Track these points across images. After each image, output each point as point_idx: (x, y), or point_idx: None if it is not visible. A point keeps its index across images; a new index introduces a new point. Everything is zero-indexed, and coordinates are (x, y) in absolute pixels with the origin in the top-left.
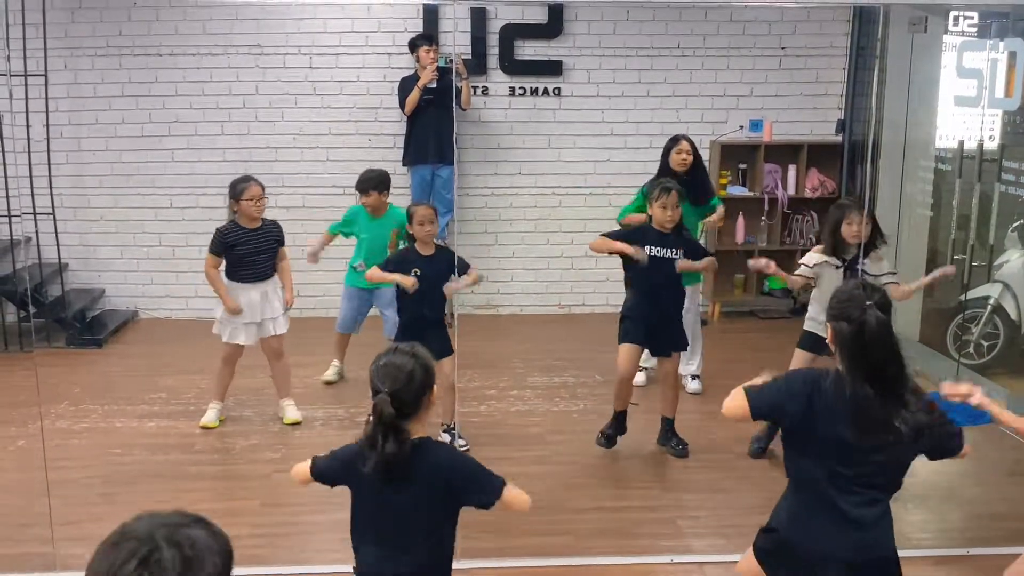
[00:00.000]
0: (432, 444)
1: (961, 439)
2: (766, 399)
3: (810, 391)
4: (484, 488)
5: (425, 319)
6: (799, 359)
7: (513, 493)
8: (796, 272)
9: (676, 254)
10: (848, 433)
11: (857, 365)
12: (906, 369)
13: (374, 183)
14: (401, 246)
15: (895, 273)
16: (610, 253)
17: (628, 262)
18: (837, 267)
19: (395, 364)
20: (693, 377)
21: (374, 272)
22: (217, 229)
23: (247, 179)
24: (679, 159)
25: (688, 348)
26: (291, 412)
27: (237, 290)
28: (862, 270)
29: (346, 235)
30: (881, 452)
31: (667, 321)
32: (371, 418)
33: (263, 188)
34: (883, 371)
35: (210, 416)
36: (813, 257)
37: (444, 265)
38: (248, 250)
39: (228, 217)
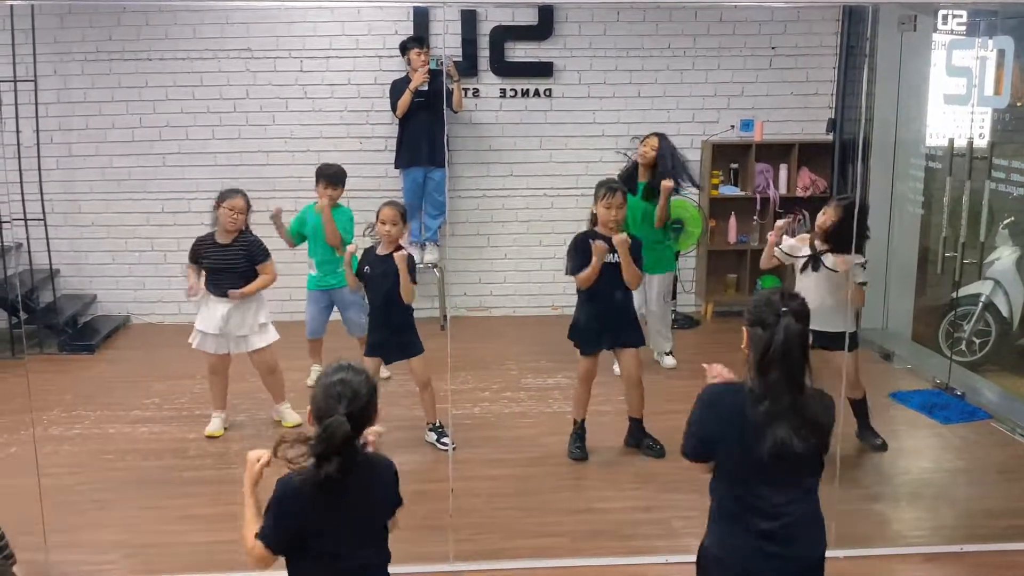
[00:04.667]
0: (365, 456)
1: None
2: (695, 439)
3: (734, 411)
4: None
5: (389, 318)
6: None
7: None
8: (770, 242)
9: (613, 258)
10: (765, 445)
11: (765, 371)
12: (806, 378)
13: (343, 176)
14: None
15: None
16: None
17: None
18: (799, 256)
19: (349, 383)
20: (668, 353)
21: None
22: (197, 238)
23: (236, 191)
24: (642, 151)
25: (660, 330)
26: (289, 415)
27: (207, 301)
28: (824, 263)
29: (301, 237)
30: (791, 458)
31: (618, 317)
32: (317, 440)
33: (249, 206)
34: (789, 378)
35: (214, 425)
36: (791, 243)
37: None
38: (213, 265)
39: (212, 223)
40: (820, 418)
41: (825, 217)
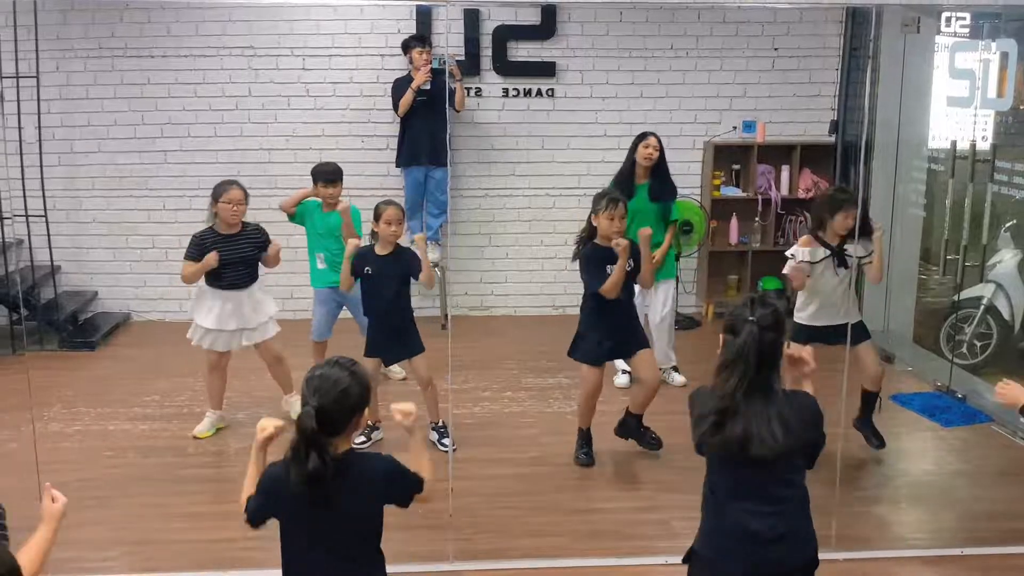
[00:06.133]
0: (357, 457)
1: (818, 424)
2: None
3: (701, 405)
4: (406, 490)
5: (389, 318)
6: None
7: (424, 496)
8: (792, 269)
9: (628, 266)
10: (733, 446)
11: (729, 373)
12: (773, 383)
13: (340, 174)
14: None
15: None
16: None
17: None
18: (825, 256)
19: (327, 378)
20: (675, 369)
21: (343, 282)
22: (194, 235)
23: (230, 182)
24: (646, 152)
25: (666, 344)
26: (299, 407)
27: (210, 296)
28: (847, 254)
29: (295, 222)
30: (760, 462)
31: (625, 324)
32: (294, 433)
33: (246, 194)
34: (753, 380)
35: (204, 425)
36: (805, 252)
37: (401, 265)
38: (224, 258)
39: (208, 220)
40: (790, 420)
41: (850, 220)
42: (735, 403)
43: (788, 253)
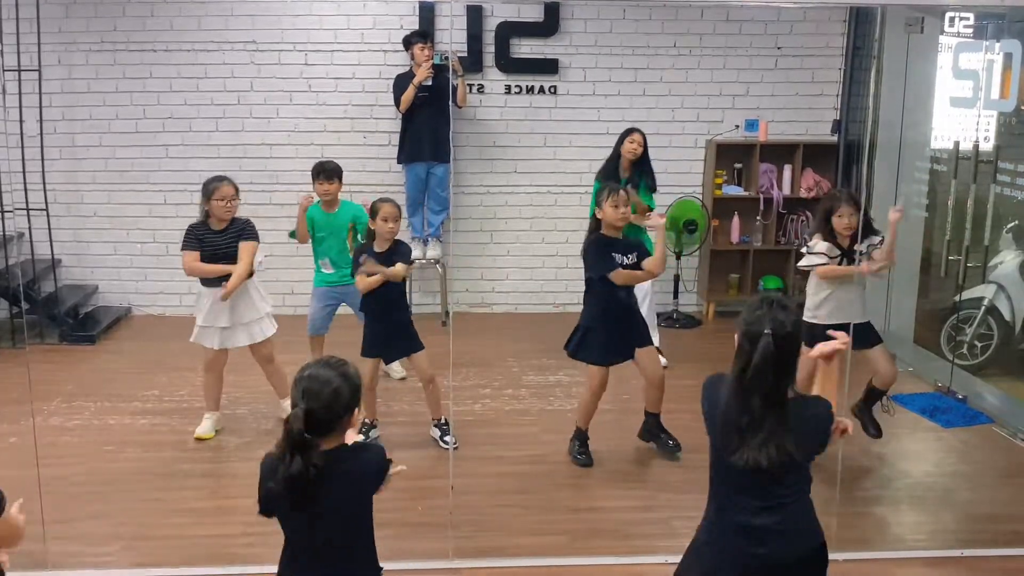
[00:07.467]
0: (348, 452)
1: (825, 435)
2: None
3: (710, 397)
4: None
5: (388, 315)
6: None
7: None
8: (817, 266)
9: (631, 259)
10: (734, 440)
11: (742, 376)
12: (785, 390)
13: (339, 172)
14: (359, 240)
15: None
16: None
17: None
18: (834, 257)
19: (318, 379)
20: (658, 351)
21: (360, 282)
22: (189, 225)
23: (220, 178)
24: (631, 148)
25: (651, 326)
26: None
27: (203, 293)
28: (859, 255)
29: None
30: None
31: (630, 321)
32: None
33: (237, 189)
34: (765, 388)
35: (204, 428)
36: (825, 245)
37: (399, 259)
38: (211, 252)
39: (200, 216)
40: (801, 430)
41: (849, 221)
42: (757, 418)
43: (815, 250)
